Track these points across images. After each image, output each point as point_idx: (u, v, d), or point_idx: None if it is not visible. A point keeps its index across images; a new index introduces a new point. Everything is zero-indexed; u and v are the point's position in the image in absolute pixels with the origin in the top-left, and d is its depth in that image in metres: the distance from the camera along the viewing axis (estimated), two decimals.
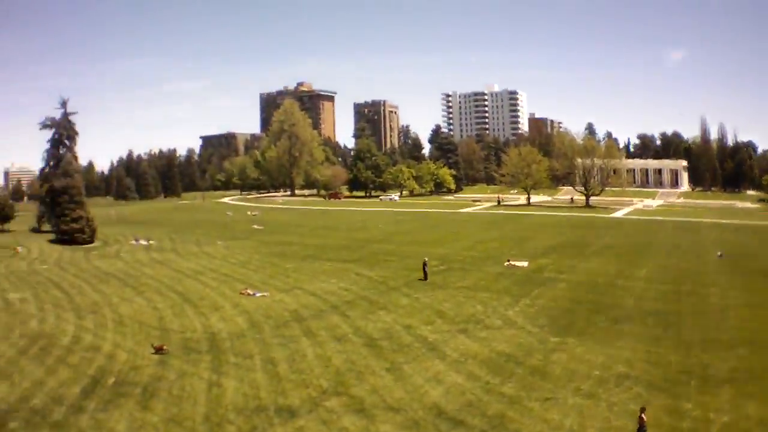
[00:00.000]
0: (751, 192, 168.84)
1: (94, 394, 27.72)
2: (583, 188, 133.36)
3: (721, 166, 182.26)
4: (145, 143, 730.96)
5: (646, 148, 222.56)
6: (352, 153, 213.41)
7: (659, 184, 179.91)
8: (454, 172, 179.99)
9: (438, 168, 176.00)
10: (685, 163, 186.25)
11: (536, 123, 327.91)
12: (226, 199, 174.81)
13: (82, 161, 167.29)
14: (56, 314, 42.09)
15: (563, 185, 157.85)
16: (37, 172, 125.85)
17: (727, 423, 23.31)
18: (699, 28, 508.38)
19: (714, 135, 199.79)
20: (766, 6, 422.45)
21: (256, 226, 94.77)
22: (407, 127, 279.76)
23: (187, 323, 39.51)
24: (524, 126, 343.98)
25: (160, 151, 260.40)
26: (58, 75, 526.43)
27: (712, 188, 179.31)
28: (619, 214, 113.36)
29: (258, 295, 46.30)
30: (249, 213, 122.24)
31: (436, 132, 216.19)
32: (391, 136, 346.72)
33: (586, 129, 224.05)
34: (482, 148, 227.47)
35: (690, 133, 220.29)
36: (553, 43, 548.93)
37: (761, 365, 29.45)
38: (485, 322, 37.77)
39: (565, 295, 44.72)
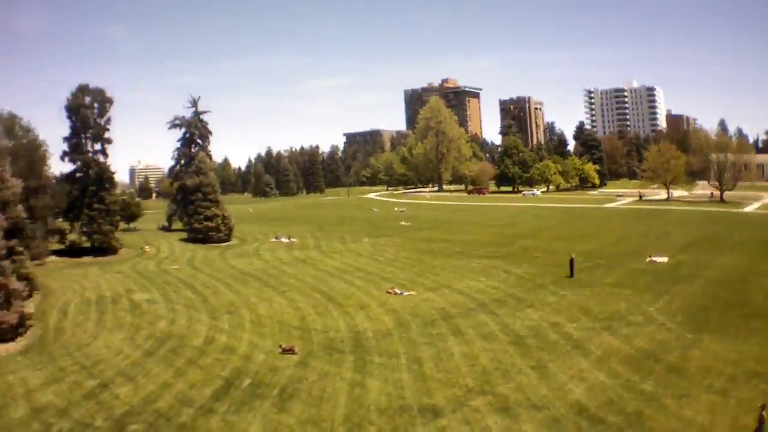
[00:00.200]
0: None
1: (227, 396, 27.34)
2: (717, 183, 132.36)
3: None
4: (285, 141, 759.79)
5: None
6: (499, 149, 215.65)
7: None
8: (598, 168, 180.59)
9: (583, 163, 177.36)
10: None
11: (673, 120, 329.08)
12: (371, 195, 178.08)
13: (217, 158, 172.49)
14: (188, 315, 41.31)
15: (698, 180, 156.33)
16: (166, 170, 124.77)
17: None
18: None
19: None
20: None
21: (403, 223, 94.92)
22: (552, 123, 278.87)
23: (330, 323, 38.93)
24: (662, 122, 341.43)
25: (302, 148, 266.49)
26: (190, 73, 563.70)
27: None
28: (749, 208, 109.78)
29: (405, 293, 45.97)
30: (396, 209, 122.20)
31: (580, 128, 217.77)
32: (537, 132, 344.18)
33: (718, 125, 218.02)
34: (623, 144, 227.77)
35: None
36: (684, 40, 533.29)
37: None
38: (627, 318, 38.15)
39: (700, 291, 45.02)
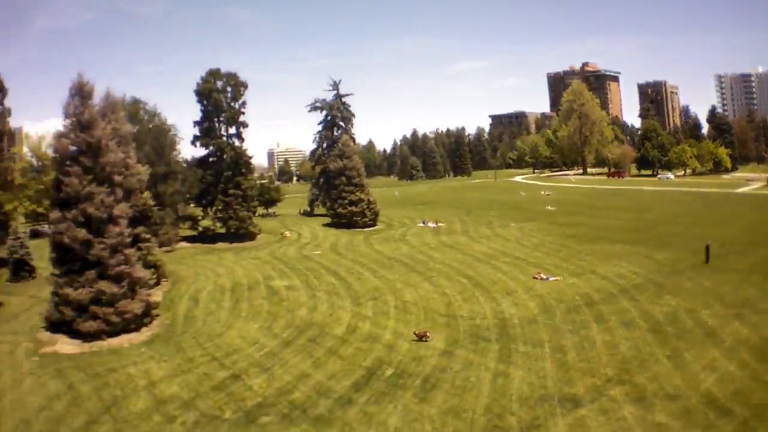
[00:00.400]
0: None
1: (368, 387, 26.84)
2: None
3: None
4: (429, 123, 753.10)
5: None
6: (639, 132, 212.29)
7: None
8: (730, 152, 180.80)
9: (716, 147, 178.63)
10: None
11: None
12: (517, 178, 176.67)
13: (361, 140, 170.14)
14: (330, 302, 40.21)
15: None
16: (306, 153, 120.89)
17: None
18: None
19: None
20: None
21: (549, 207, 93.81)
22: (687, 107, 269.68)
23: (477, 309, 38.59)
24: None
25: (448, 130, 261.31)
26: (329, 56, 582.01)
27: None
28: None
29: (551, 279, 46.30)
30: (542, 193, 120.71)
31: (713, 112, 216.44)
32: (673, 116, 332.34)
33: None
34: (751, 129, 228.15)
35: None
36: None
37: None
38: (758, 306, 37.73)
39: None
